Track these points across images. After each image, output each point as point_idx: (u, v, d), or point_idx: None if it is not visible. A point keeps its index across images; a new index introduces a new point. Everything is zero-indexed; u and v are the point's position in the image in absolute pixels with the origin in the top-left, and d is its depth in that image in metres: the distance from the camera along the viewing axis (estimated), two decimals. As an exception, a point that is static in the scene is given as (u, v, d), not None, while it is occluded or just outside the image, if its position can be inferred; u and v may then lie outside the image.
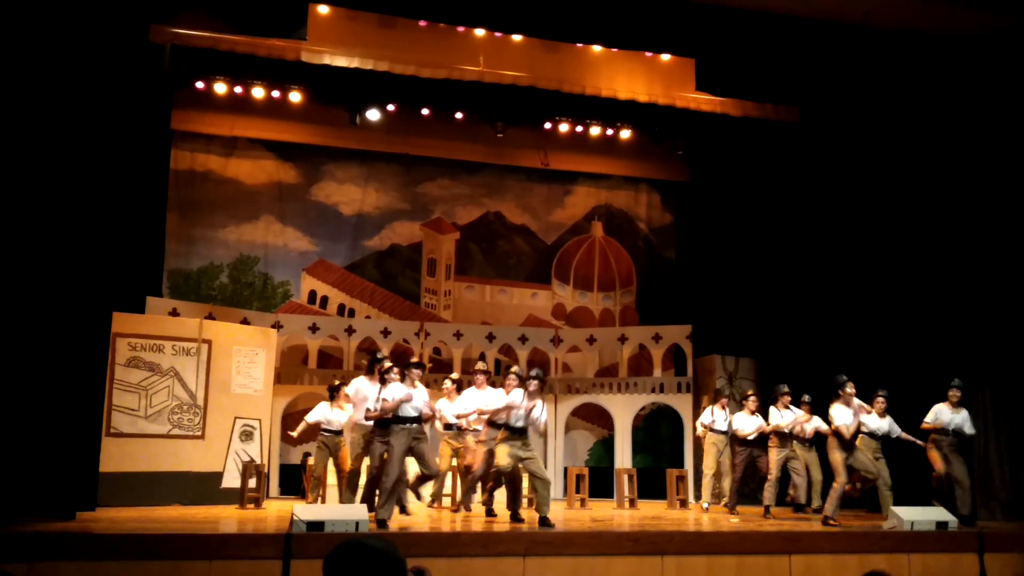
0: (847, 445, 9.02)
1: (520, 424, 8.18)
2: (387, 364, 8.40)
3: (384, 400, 7.87)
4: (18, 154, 7.85)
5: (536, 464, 8.21)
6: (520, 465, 8.21)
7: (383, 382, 8.20)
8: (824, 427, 9.96)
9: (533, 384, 8.25)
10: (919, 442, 9.57)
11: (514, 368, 9.32)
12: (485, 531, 7.56)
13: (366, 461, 8.81)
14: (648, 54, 11.83)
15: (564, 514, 9.92)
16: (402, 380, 8.04)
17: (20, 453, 7.50)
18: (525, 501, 9.30)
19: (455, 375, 11.13)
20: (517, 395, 8.28)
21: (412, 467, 9.06)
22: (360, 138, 13.96)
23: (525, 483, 9.03)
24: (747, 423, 10.41)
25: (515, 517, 8.38)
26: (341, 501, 9.37)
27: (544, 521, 7.77)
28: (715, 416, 10.96)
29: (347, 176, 14.48)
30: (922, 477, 9.61)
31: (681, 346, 13.86)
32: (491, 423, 8.72)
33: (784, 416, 10.12)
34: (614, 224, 15.76)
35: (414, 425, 7.92)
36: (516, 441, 8.14)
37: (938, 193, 10.74)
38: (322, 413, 10.02)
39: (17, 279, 7.72)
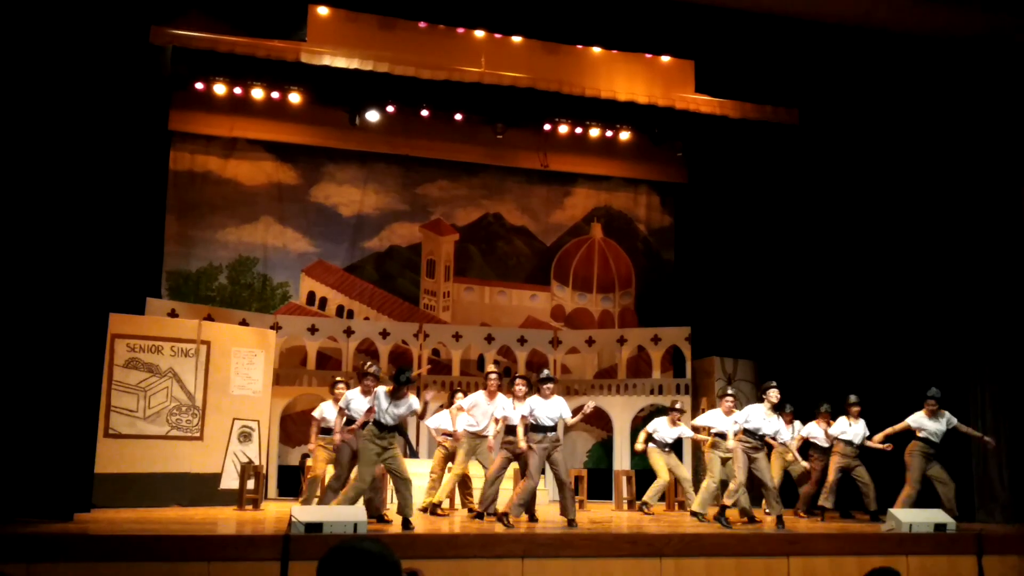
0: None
1: (389, 422, 7.90)
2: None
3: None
4: (17, 155, 7.85)
5: (397, 463, 7.93)
6: (382, 464, 8.00)
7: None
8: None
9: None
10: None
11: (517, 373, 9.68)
12: (483, 533, 7.54)
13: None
14: (648, 56, 11.84)
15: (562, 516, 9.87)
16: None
17: (17, 454, 7.49)
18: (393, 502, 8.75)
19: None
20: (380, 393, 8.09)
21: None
22: (359, 139, 13.96)
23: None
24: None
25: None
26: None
27: (406, 523, 7.51)
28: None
29: (346, 177, 14.48)
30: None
31: (680, 348, 13.86)
32: (506, 429, 8.82)
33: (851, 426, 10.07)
34: (613, 226, 15.76)
35: (550, 434, 8.42)
36: (382, 440, 7.87)
37: (937, 194, 10.73)
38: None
39: (15, 280, 7.71)
